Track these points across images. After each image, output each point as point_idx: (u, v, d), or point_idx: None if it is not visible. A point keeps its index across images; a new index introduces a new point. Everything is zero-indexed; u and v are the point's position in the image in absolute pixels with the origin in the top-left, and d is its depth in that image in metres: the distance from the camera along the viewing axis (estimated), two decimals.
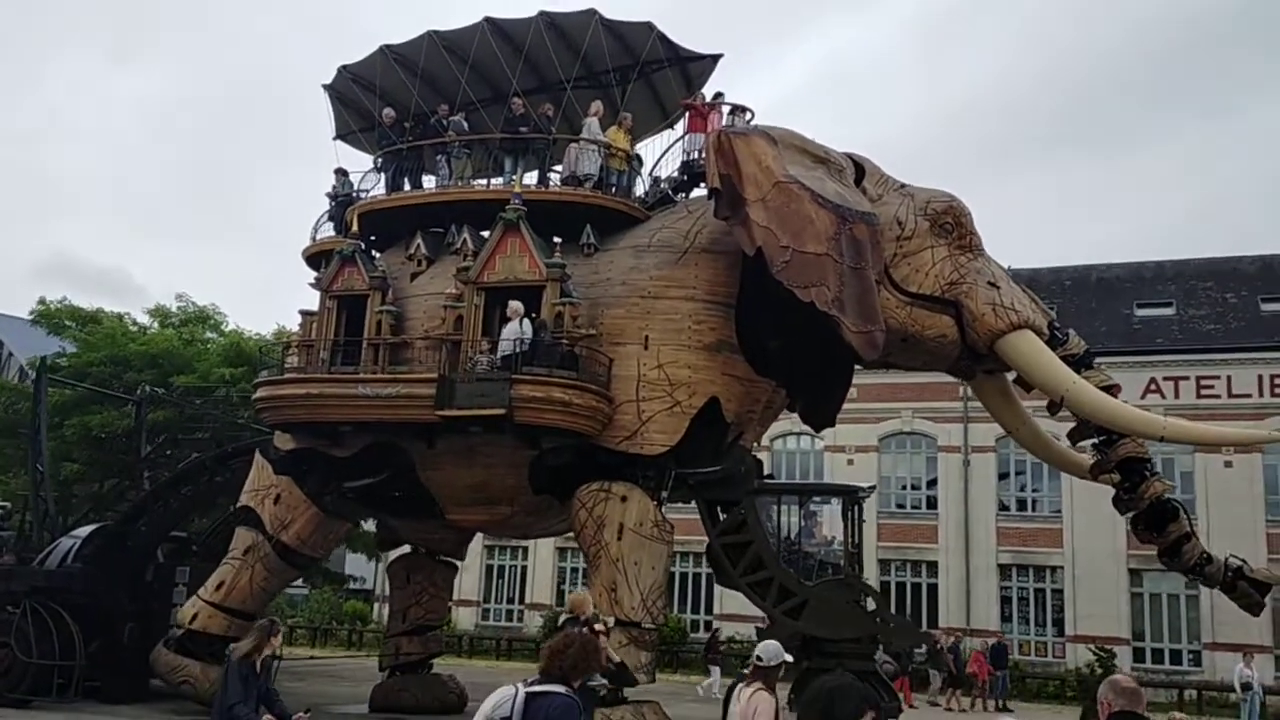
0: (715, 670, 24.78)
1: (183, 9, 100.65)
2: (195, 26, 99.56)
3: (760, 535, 14.97)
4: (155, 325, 31.89)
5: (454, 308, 15.17)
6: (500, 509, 15.97)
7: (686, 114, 17.03)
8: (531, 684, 4.42)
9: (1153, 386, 30.06)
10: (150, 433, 24.51)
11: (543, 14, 16.38)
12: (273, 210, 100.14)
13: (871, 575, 28.64)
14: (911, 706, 21.33)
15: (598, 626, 8.63)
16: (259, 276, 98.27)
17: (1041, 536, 31.21)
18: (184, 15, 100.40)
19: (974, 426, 31.41)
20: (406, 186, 17.24)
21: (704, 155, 15.42)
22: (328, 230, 17.89)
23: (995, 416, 16.56)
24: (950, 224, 14.93)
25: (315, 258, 17.60)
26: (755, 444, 17.17)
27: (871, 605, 15.12)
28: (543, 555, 36.01)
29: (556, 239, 15.79)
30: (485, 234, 15.80)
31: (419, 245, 16.43)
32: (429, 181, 17.41)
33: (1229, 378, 30.13)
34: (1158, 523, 14.39)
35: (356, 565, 42.04)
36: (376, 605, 37.62)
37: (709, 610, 33.58)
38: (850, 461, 32.54)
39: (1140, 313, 32.95)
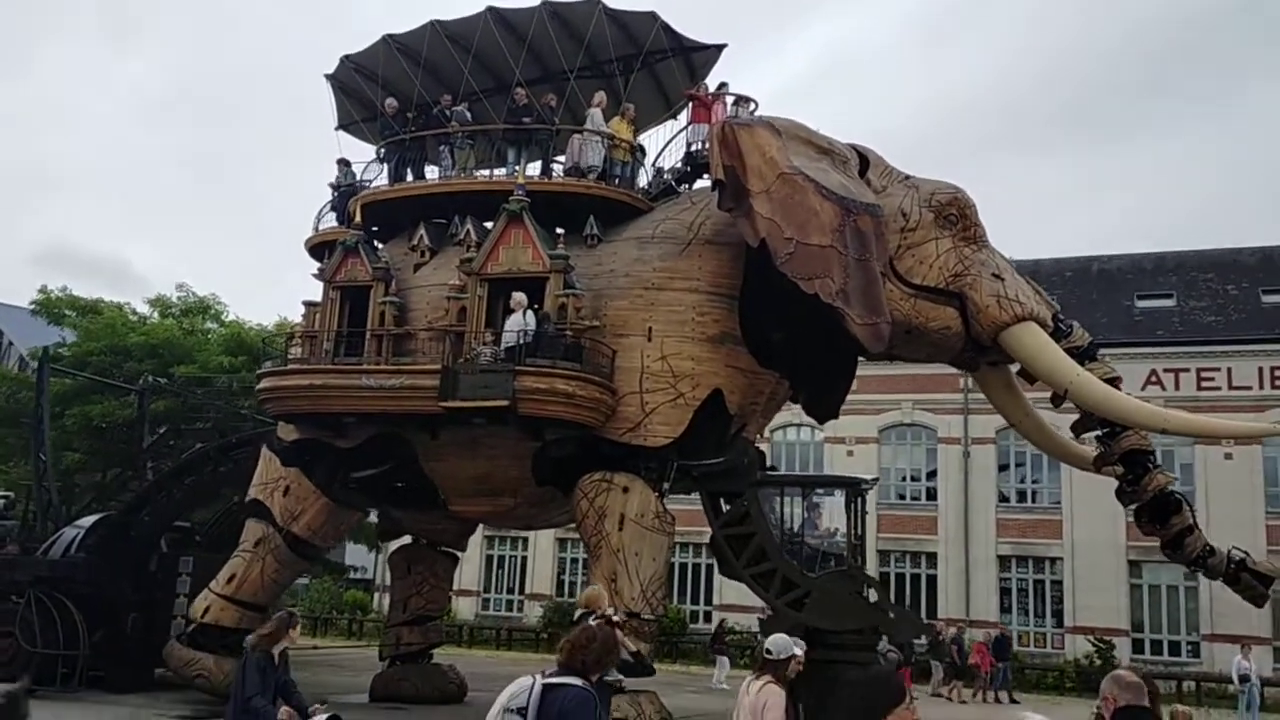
0: (724, 661, 24.80)
1: None
2: (194, 11, 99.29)
3: (763, 527, 14.99)
4: (155, 315, 31.84)
5: (457, 299, 15.17)
6: (503, 500, 16.00)
7: (690, 104, 17.02)
8: (549, 675, 4.42)
9: (1153, 378, 30.05)
10: (152, 423, 24.50)
11: (546, 3, 16.34)
12: (272, 200, 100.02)
13: (871, 566, 28.61)
14: (913, 698, 21.35)
15: (615, 619, 8.62)
16: (259, 266, 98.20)
17: (1041, 528, 31.25)
18: (182, 1, 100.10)
19: (974, 418, 31.42)
20: (409, 177, 17.23)
21: (707, 146, 15.41)
22: (330, 220, 17.88)
23: (999, 408, 16.57)
24: (955, 215, 14.91)
25: (318, 248, 17.58)
26: (758, 436, 17.16)
27: (874, 597, 15.15)
28: (543, 546, 36.04)
29: (559, 230, 15.77)
30: (488, 225, 15.78)
31: (422, 236, 16.42)
32: (432, 172, 17.38)
33: (1229, 370, 30.13)
34: (1160, 515, 14.43)
35: (356, 555, 42.06)
36: (377, 595, 37.67)
37: (709, 601, 33.64)
38: (850, 453, 32.55)
39: (1141, 304, 32.94)
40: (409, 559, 19.16)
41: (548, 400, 14.16)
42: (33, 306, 31.82)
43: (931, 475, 32.79)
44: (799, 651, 6.51)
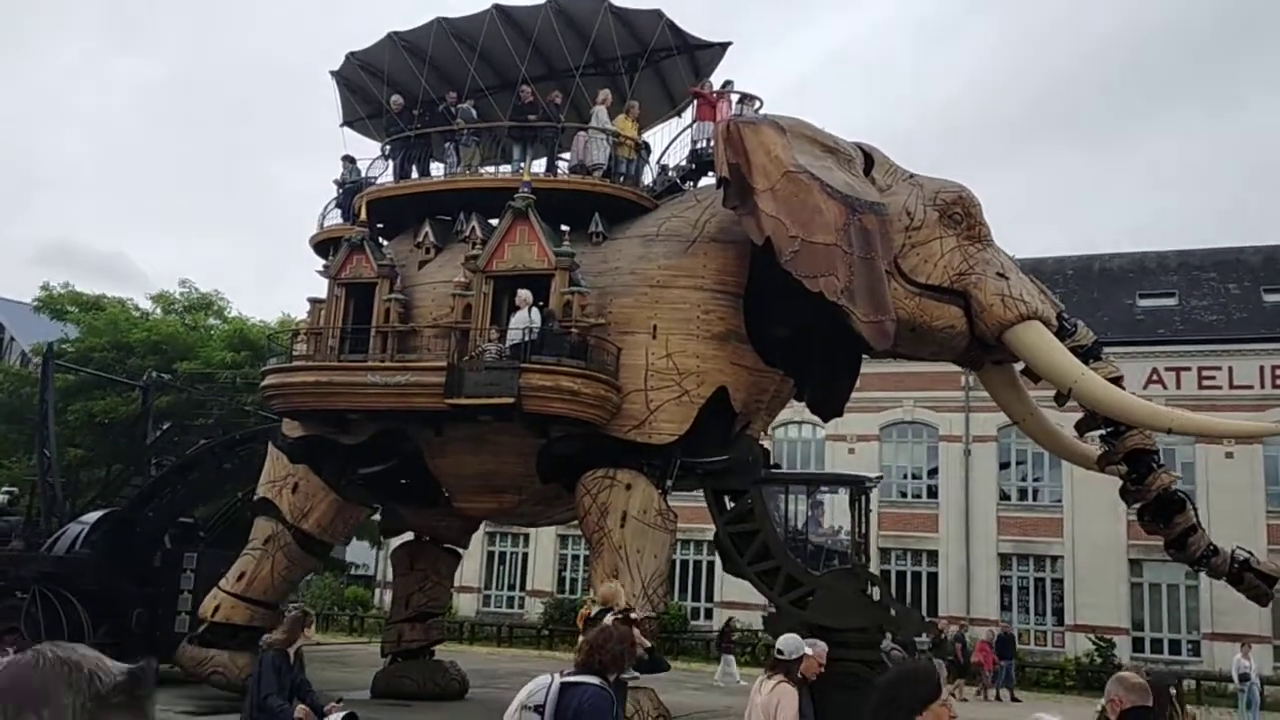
0: (730, 660, 24.82)
1: None
2: (194, 7, 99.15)
3: (767, 524, 15.03)
4: (158, 311, 31.89)
5: (462, 296, 15.19)
6: (508, 497, 16.04)
7: (695, 102, 17.03)
8: (567, 674, 4.46)
9: (1154, 377, 30.07)
10: (155, 419, 24.55)
11: (551, 1, 16.35)
12: (274, 196, 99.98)
13: (872, 564, 28.69)
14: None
15: (634, 615, 8.64)
16: (261, 262, 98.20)
17: (1042, 526, 31.29)
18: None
19: (975, 416, 31.47)
20: (414, 174, 17.24)
21: (712, 144, 15.43)
22: (335, 217, 17.90)
23: (1003, 407, 16.59)
24: (959, 214, 14.93)
25: (323, 245, 17.61)
26: (762, 433, 17.19)
27: (878, 595, 15.18)
28: (544, 542, 36.07)
29: (564, 227, 15.80)
30: (493, 222, 15.78)
31: (427, 233, 16.43)
32: (437, 169, 17.40)
33: (1231, 369, 30.16)
34: (1164, 514, 14.45)
35: (358, 551, 42.11)
36: (378, 591, 37.72)
37: (710, 598, 33.69)
38: (851, 450, 32.56)
39: (1143, 303, 32.97)
40: (412, 556, 19.21)
41: (553, 397, 14.17)
42: (35, 302, 31.87)
43: (933, 473, 32.83)
44: (810, 651, 6.53)
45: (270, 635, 7.99)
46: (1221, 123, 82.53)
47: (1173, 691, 4.96)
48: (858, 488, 15.33)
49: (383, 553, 34.70)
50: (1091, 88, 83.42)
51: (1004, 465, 32.09)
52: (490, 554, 37.12)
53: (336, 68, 18.18)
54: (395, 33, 17.23)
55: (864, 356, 16.23)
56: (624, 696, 9.66)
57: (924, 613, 29.48)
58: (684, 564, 33.47)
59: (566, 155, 16.87)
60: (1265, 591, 14.45)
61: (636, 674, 10.44)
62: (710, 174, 15.92)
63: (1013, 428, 27.34)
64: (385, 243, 16.97)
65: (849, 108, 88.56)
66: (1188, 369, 30.44)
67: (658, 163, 17.22)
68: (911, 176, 15.53)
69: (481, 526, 27.13)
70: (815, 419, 24.23)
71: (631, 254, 15.46)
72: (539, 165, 16.67)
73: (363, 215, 16.35)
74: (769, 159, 14.27)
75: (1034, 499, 31.92)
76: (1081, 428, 15.17)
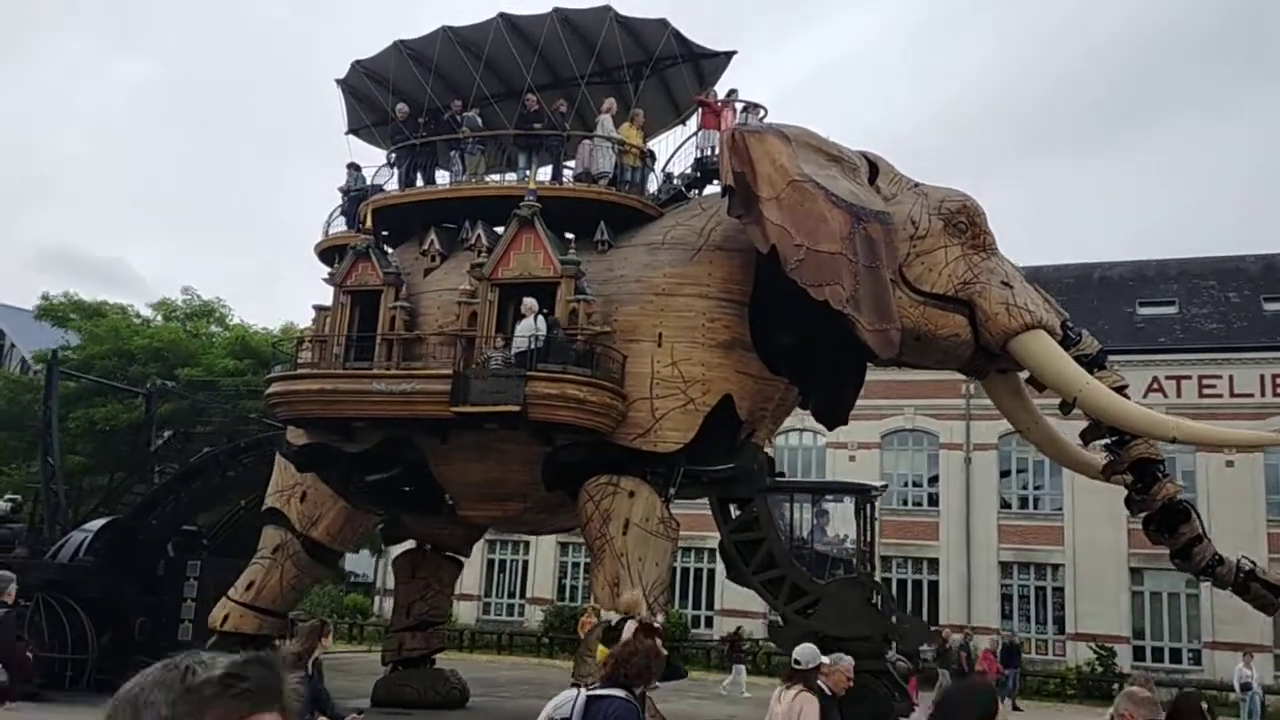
0: (741, 670, 24.77)
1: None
2: (196, 12, 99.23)
3: (772, 533, 15.04)
4: (159, 319, 31.89)
5: (468, 304, 15.20)
6: (513, 505, 16.03)
7: (699, 110, 17.06)
8: (594, 687, 4.46)
9: (1155, 385, 30.10)
10: (157, 426, 24.53)
11: (557, 10, 16.40)
12: (275, 203, 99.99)
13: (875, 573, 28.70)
14: (914, 706, 21.32)
15: (656, 624, 8.63)
16: (262, 269, 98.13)
17: (1043, 534, 31.30)
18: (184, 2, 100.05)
19: (976, 424, 31.50)
20: (420, 182, 17.27)
21: (717, 152, 15.46)
22: (340, 225, 17.90)
23: (1007, 415, 16.61)
24: (964, 223, 14.97)
25: (327, 253, 17.62)
26: (767, 441, 17.21)
27: (883, 603, 15.19)
28: (544, 550, 36.03)
29: (570, 235, 15.82)
30: (499, 230, 15.81)
31: (433, 241, 16.44)
32: (442, 177, 17.42)
33: (1231, 377, 30.21)
34: (1169, 524, 14.47)
35: (357, 559, 42.06)
36: (377, 599, 37.66)
37: (710, 606, 33.66)
38: (852, 458, 32.57)
39: (1143, 311, 33.02)
40: (414, 564, 19.19)
41: (559, 405, 14.17)
42: (36, 310, 31.86)
43: (933, 481, 32.83)
44: (827, 660, 6.54)
45: (288, 645, 7.97)
46: (1220, 128, 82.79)
47: (1204, 706, 4.95)
48: (863, 496, 15.33)
49: (382, 560, 34.66)
50: (1091, 97, 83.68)
51: (1005, 473, 32.10)
52: (490, 561, 37.06)
53: (342, 75, 18.20)
54: (401, 41, 17.28)
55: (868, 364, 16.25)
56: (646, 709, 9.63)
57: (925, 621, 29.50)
58: (685, 571, 33.42)
59: (571, 163, 16.90)
60: (1272, 601, 14.47)
61: (656, 684, 10.44)
62: (715, 182, 15.95)
63: (1014, 435, 27.41)
64: (390, 250, 16.97)
65: (850, 112, 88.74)
66: (1188, 377, 30.48)
67: (662, 171, 17.27)
68: (916, 185, 15.57)
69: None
70: (816, 426, 24.22)
71: (637, 262, 15.48)
72: (544, 173, 16.71)
73: (368, 223, 16.37)
74: (774, 168, 14.30)
75: (1035, 507, 31.94)
76: (1086, 437, 15.19)
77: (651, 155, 17.22)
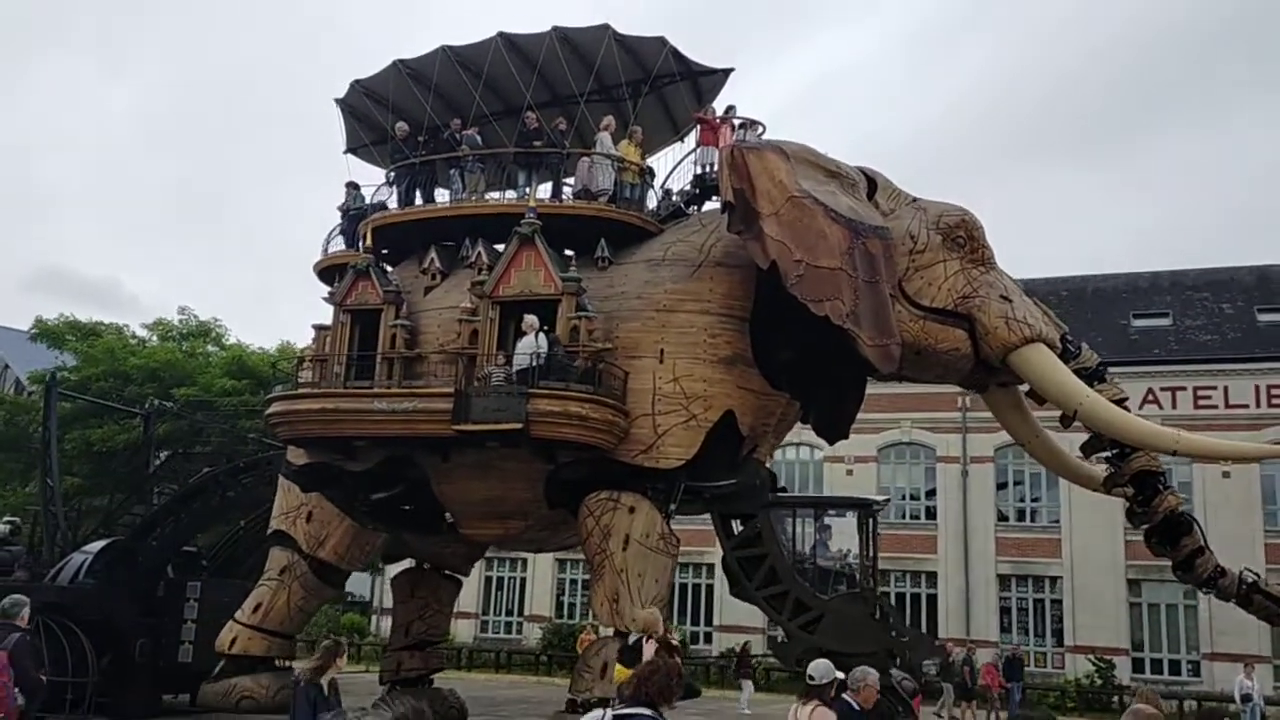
0: (748, 685, 24.70)
1: (175, 12, 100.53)
2: (189, 33, 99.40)
3: (775, 548, 15.04)
4: (154, 339, 31.84)
5: (469, 322, 15.20)
6: (514, 523, 16.00)
7: (698, 127, 17.15)
8: (619, 707, 4.47)
9: (1150, 397, 30.24)
10: (155, 446, 24.47)
11: (556, 29, 16.47)
12: (268, 222, 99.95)
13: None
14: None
15: (674, 641, 8.64)
16: (258, 288, 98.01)
17: (1040, 546, 31.39)
18: (176, 22, 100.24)
19: (973, 437, 31.61)
20: (419, 200, 17.29)
21: (716, 169, 15.52)
22: (339, 244, 17.91)
23: (1008, 429, 16.65)
24: (963, 238, 15.05)
25: (327, 271, 17.62)
26: (768, 457, 17.23)
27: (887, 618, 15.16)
28: (542, 567, 35.99)
29: (570, 252, 15.85)
30: (499, 248, 15.83)
31: (433, 259, 16.45)
32: (441, 195, 17.45)
33: (1226, 388, 30.37)
34: (1171, 536, 14.50)
35: (353, 578, 41.87)
36: (374, 618, 37.54)
37: (710, 622, 33.64)
38: (849, 472, 32.66)
39: (1137, 323, 33.20)
40: (413, 583, 19.09)
41: (561, 423, 14.17)
42: (32, 332, 31.80)
43: (931, 494, 32.92)
44: (840, 675, 6.55)
45: (303, 667, 7.97)
46: (1213, 140, 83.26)
47: None
48: (865, 511, 15.35)
49: (379, 579, 34.55)
50: (1085, 109, 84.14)
51: (1001, 486, 32.20)
52: (488, 579, 37.01)
53: (341, 95, 18.25)
54: (400, 61, 17.33)
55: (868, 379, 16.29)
56: None
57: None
58: (683, 587, 33.40)
59: (571, 181, 16.94)
60: (1275, 613, 14.49)
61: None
62: (714, 198, 16.00)
63: (1010, 448, 27.48)
64: (390, 269, 16.99)
65: (849, 121, 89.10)
66: (1183, 389, 30.64)
67: (662, 187, 17.31)
68: (914, 200, 15.66)
69: None
70: (813, 441, 24.25)
71: (638, 279, 15.51)
72: (544, 191, 16.74)
73: (368, 241, 16.39)
74: (773, 184, 14.37)
75: (1032, 519, 32.03)
76: (1087, 450, 15.23)
77: (651, 172, 17.28)
